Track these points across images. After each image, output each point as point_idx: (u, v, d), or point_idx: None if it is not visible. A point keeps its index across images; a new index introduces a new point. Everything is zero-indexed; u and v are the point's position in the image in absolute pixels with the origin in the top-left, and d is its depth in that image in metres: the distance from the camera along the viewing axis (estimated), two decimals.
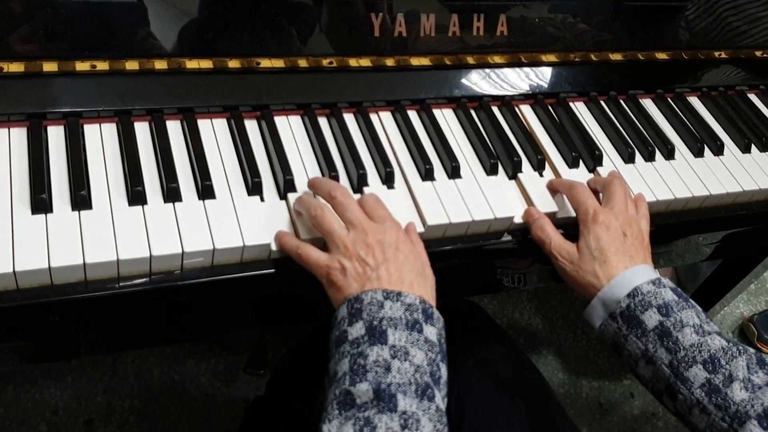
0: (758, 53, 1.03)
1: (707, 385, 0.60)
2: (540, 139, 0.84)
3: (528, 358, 0.88)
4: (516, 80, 0.88)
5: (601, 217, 0.70)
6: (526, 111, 0.88)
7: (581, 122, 0.87)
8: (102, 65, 0.71)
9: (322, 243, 0.64)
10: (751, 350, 0.62)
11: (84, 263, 0.58)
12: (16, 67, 0.68)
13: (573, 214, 0.74)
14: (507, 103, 0.86)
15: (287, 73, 0.79)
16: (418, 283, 0.60)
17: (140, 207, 0.64)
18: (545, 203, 0.76)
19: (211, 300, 0.73)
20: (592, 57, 0.93)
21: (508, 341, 0.89)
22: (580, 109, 0.90)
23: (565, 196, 0.76)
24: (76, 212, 0.62)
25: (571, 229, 0.74)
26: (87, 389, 1.31)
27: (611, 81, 0.94)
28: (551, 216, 0.75)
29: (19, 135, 0.67)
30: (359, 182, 0.72)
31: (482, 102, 0.85)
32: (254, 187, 0.68)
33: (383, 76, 0.83)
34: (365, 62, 0.81)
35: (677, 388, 0.62)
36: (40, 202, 0.61)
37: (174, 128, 0.72)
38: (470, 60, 0.86)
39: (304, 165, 0.73)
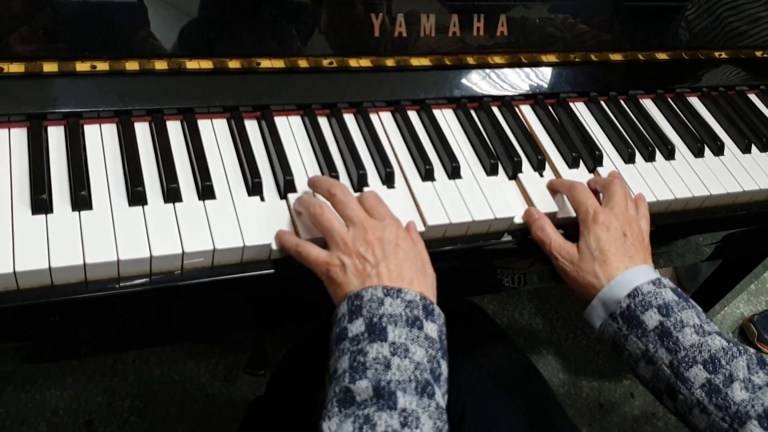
0: (758, 53, 1.03)
1: (707, 386, 0.60)
2: (540, 139, 0.84)
3: (528, 358, 0.88)
4: (516, 80, 0.88)
5: (602, 217, 0.70)
6: (527, 111, 0.88)
7: (581, 122, 0.87)
8: (102, 65, 0.71)
9: (323, 243, 0.64)
10: (752, 350, 0.62)
11: (84, 263, 0.58)
12: (16, 68, 0.68)
13: (573, 214, 0.74)
14: (507, 103, 0.86)
15: (287, 74, 0.79)
16: (419, 279, 0.60)
17: (140, 207, 0.64)
18: (545, 203, 0.76)
19: (212, 300, 0.73)
20: (593, 57, 0.93)
21: (508, 341, 0.89)
22: (580, 109, 0.90)
23: (565, 197, 0.76)
24: (77, 212, 0.62)
25: (571, 229, 0.74)
26: (87, 389, 1.31)
27: (611, 81, 0.94)
28: (551, 216, 0.75)
29: (19, 135, 0.67)
30: (359, 182, 0.72)
31: (482, 102, 0.85)
32: (254, 188, 0.68)
33: (383, 77, 0.83)
34: (365, 62, 0.81)
35: (677, 389, 0.62)
36: (41, 203, 0.61)
37: (174, 128, 0.72)
38: (470, 60, 0.86)
39: (304, 165, 0.73)
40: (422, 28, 0.82)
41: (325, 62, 0.80)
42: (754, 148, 0.92)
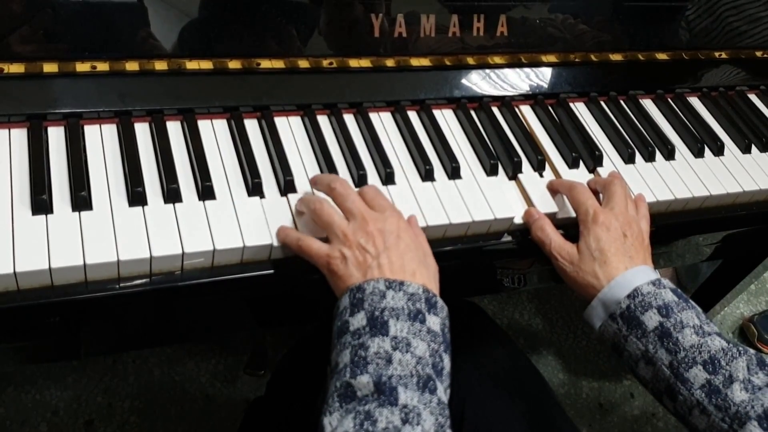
0: (758, 53, 1.03)
1: (707, 386, 0.60)
2: (540, 139, 0.84)
3: (528, 358, 0.88)
4: (516, 81, 0.88)
5: (602, 217, 0.70)
6: (526, 111, 0.88)
7: (581, 123, 0.87)
8: (102, 66, 0.71)
9: (325, 241, 0.63)
10: (751, 351, 0.62)
11: (84, 264, 0.58)
12: (16, 68, 0.68)
13: (573, 214, 0.74)
14: (507, 103, 0.86)
15: (287, 74, 0.79)
16: (421, 271, 0.60)
17: (140, 208, 0.64)
18: (545, 204, 0.76)
19: (212, 301, 0.73)
20: (593, 57, 0.93)
21: (508, 342, 0.89)
22: (580, 109, 0.90)
23: (565, 197, 0.76)
24: (77, 213, 0.62)
25: (571, 229, 0.74)
26: (87, 390, 1.31)
27: (611, 81, 0.94)
28: (551, 216, 0.75)
29: (19, 136, 0.67)
30: (359, 183, 0.72)
31: (482, 102, 0.85)
32: (254, 188, 0.68)
33: (383, 77, 0.83)
34: (365, 63, 0.81)
35: (677, 389, 0.62)
36: (41, 203, 0.61)
37: (174, 129, 0.72)
38: (470, 60, 0.86)
39: (304, 165, 0.73)
40: (422, 28, 0.82)
41: (325, 62, 0.80)
42: (754, 149, 0.92)
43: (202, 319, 0.82)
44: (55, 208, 0.62)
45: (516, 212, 0.74)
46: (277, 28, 0.76)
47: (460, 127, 0.83)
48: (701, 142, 0.89)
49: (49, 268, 0.57)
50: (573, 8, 0.89)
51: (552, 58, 0.90)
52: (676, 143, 0.89)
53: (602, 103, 0.91)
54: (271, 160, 0.72)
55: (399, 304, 0.56)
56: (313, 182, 0.69)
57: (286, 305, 0.88)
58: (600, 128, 0.88)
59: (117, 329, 0.78)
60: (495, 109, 0.86)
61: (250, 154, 0.71)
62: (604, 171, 0.82)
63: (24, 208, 0.61)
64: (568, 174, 0.81)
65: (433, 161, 0.76)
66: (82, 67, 0.70)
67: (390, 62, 0.82)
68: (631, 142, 0.86)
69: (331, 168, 0.72)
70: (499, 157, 0.79)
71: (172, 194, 0.65)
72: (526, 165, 0.80)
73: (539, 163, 0.80)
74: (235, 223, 0.65)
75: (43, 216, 0.61)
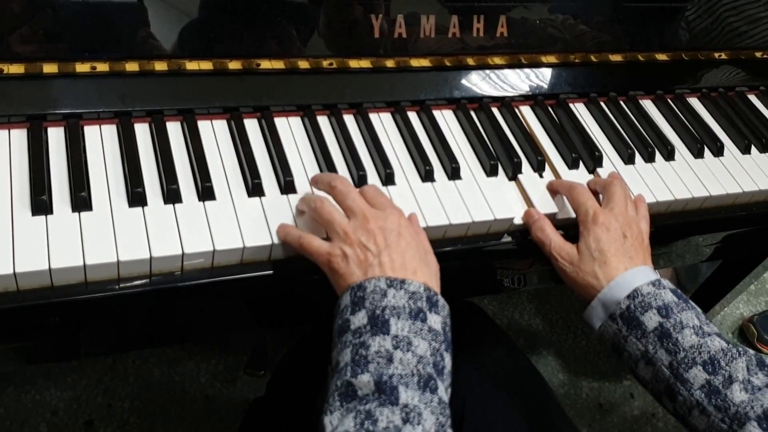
0: (758, 54, 1.03)
1: (707, 387, 0.60)
2: (540, 140, 0.84)
3: (528, 358, 0.88)
4: (516, 81, 0.88)
5: (601, 218, 0.70)
6: (526, 112, 0.88)
7: (581, 123, 0.88)
8: (102, 66, 0.71)
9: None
10: (751, 352, 0.62)
11: (84, 264, 0.58)
12: (16, 69, 0.68)
13: (573, 215, 0.74)
14: (507, 104, 0.86)
15: (287, 75, 0.79)
16: (422, 269, 0.60)
17: (140, 208, 0.64)
18: (545, 204, 0.76)
19: (212, 301, 0.73)
20: (592, 58, 0.93)
21: (508, 342, 0.89)
22: (579, 110, 0.90)
23: (564, 197, 0.76)
24: (77, 213, 0.62)
25: (571, 230, 0.74)
26: (87, 390, 1.31)
27: (611, 82, 0.94)
28: (551, 217, 0.75)
29: (19, 136, 0.67)
30: (359, 183, 0.72)
31: (482, 103, 0.85)
32: (254, 189, 0.68)
33: (383, 77, 0.83)
34: (365, 63, 0.81)
35: (677, 390, 0.62)
36: (41, 204, 0.61)
37: (174, 129, 0.72)
38: (470, 61, 0.86)
39: (304, 166, 0.73)
40: (422, 29, 0.82)
41: (325, 63, 0.80)
42: (753, 149, 0.92)
43: (202, 319, 0.82)
44: (54, 209, 0.62)
45: (516, 213, 0.74)
46: (277, 28, 0.76)
47: (460, 128, 0.83)
48: (701, 142, 0.89)
49: (49, 269, 0.57)
50: (573, 9, 0.89)
51: (552, 59, 0.90)
52: (676, 144, 0.89)
53: (602, 103, 0.91)
54: (271, 161, 0.72)
55: (400, 302, 0.56)
56: (314, 181, 0.69)
57: (286, 305, 0.88)
58: (600, 129, 0.88)
59: (117, 330, 0.78)
60: (495, 110, 0.86)
61: (250, 155, 0.71)
62: (603, 171, 0.82)
63: (24, 209, 0.61)
64: (567, 174, 0.81)
65: (433, 162, 0.76)
66: (81, 67, 0.70)
67: (390, 63, 0.82)
68: (630, 143, 0.86)
69: (331, 168, 0.72)
70: (499, 157, 0.79)
71: (171, 195, 0.65)
72: (525, 165, 0.80)
73: (539, 163, 0.80)
74: (235, 223, 0.65)
75: (43, 216, 0.61)
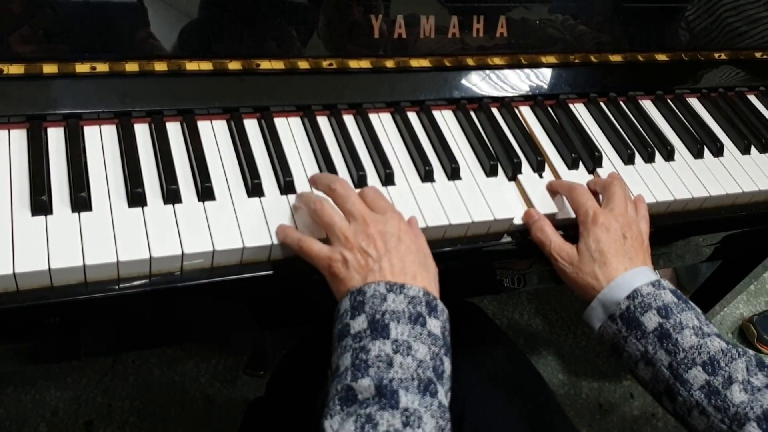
0: (758, 54, 1.03)
1: (707, 387, 0.60)
2: (540, 140, 0.84)
3: (528, 359, 0.88)
4: (516, 81, 0.88)
5: (601, 218, 0.70)
6: (526, 112, 0.88)
7: (581, 123, 0.88)
8: (102, 67, 0.71)
9: (325, 242, 0.63)
10: (751, 352, 0.62)
11: (84, 265, 0.58)
12: (16, 69, 0.68)
13: (573, 215, 0.74)
14: (507, 104, 0.86)
15: (287, 75, 0.79)
16: (421, 274, 0.60)
17: (140, 208, 0.64)
18: (545, 205, 0.76)
19: (211, 301, 0.73)
20: (592, 58, 0.93)
21: (508, 342, 0.89)
22: (579, 110, 0.90)
23: (564, 198, 0.76)
24: (76, 214, 0.62)
25: (570, 230, 0.74)
26: (87, 390, 1.31)
27: (611, 82, 0.94)
28: (551, 217, 0.75)
29: (19, 137, 0.67)
30: (359, 183, 0.72)
31: (482, 103, 0.85)
32: (254, 189, 0.68)
33: (383, 78, 0.83)
34: (365, 64, 0.81)
35: (677, 390, 0.62)
36: (40, 204, 0.61)
37: (174, 130, 0.72)
38: (470, 61, 0.86)
39: (303, 166, 0.73)
40: (422, 29, 0.82)
41: (325, 63, 0.80)
42: (753, 149, 0.92)
43: (202, 319, 0.82)
44: (54, 209, 0.62)
45: (516, 213, 0.74)
46: (277, 29, 0.76)
47: (459, 128, 0.83)
48: (701, 143, 0.89)
49: (49, 269, 0.57)
50: (573, 9, 0.89)
51: (552, 59, 0.90)
52: (676, 144, 0.89)
53: (602, 103, 0.91)
54: (270, 161, 0.72)
55: (400, 307, 0.56)
56: (313, 182, 0.69)
57: (286, 306, 0.88)
58: (599, 129, 0.88)
59: (117, 330, 0.78)
60: (495, 110, 0.86)
61: (249, 155, 0.71)
62: (603, 172, 0.82)
63: (23, 209, 0.61)
64: (567, 175, 0.81)
65: (433, 162, 0.76)
66: (81, 67, 0.70)
67: (390, 63, 0.82)
68: (630, 143, 0.86)
69: (331, 169, 0.72)
70: (499, 157, 0.79)
71: (171, 195, 0.65)
72: (525, 166, 0.80)
73: (539, 163, 0.80)
74: (234, 223, 0.65)
75: (43, 217, 0.61)
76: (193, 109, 0.74)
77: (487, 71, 0.88)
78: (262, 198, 0.68)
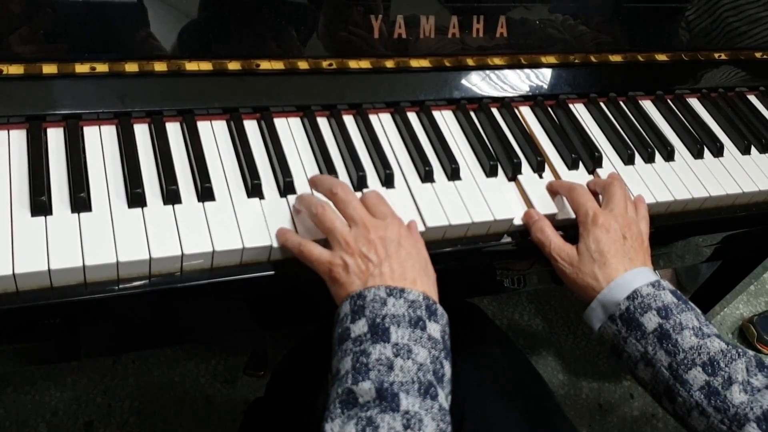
0: (758, 54, 1.03)
1: (706, 388, 0.60)
2: (539, 140, 0.84)
3: (527, 359, 0.88)
4: (516, 82, 0.88)
5: (601, 219, 0.70)
6: (526, 112, 0.88)
7: (581, 124, 0.87)
8: (101, 67, 0.71)
9: (324, 244, 0.63)
10: (751, 353, 0.62)
11: (83, 265, 0.58)
12: (15, 69, 0.68)
13: (573, 215, 0.74)
14: (507, 104, 0.86)
15: (287, 75, 0.79)
16: (421, 279, 0.60)
17: (140, 209, 0.64)
18: (545, 205, 0.76)
19: (211, 302, 0.73)
20: (592, 58, 0.93)
21: (508, 343, 0.89)
22: (579, 110, 0.90)
23: (564, 198, 0.76)
24: (76, 214, 0.62)
25: (570, 230, 0.74)
26: (87, 391, 1.31)
27: (611, 82, 0.94)
28: (551, 218, 0.75)
29: (18, 137, 0.67)
30: (359, 184, 0.72)
31: (482, 103, 0.85)
32: (254, 189, 0.68)
33: (383, 78, 0.83)
34: (365, 64, 0.81)
35: (676, 391, 0.62)
36: (40, 205, 0.61)
37: (173, 130, 0.72)
38: (470, 62, 0.86)
39: (303, 167, 0.73)
40: (422, 29, 0.82)
41: (325, 64, 0.80)
42: (753, 150, 0.92)
43: (202, 320, 0.82)
44: (54, 210, 0.62)
45: (515, 213, 0.74)
46: (277, 29, 0.76)
47: (459, 129, 0.83)
48: (700, 143, 0.89)
49: (49, 270, 0.57)
50: (573, 9, 0.89)
51: (551, 59, 0.90)
52: (676, 144, 0.88)
53: (602, 104, 0.91)
54: (270, 162, 0.72)
55: (400, 311, 0.56)
56: (313, 183, 0.69)
57: (286, 306, 0.88)
58: (599, 129, 0.88)
59: (117, 330, 0.78)
60: (494, 110, 0.86)
61: (249, 156, 0.71)
62: (603, 172, 0.82)
63: (23, 210, 0.61)
64: (567, 175, 0.81)
65: (433, 162, 0.76)
66: (81, 68, 0.70)
67: (389, 63, 0.82)
68: (630, 144, 0.86)
69: (331, 169, 0.72)
70: (499, 158, 0.79)
71: (171, 195, 0.65)
72: (525, 166, 0.80)
73: (539, 164, 0.80)
74: (234, 224, 0.65)
75: (42, 217, 0.61)
76: (193, 109, 0.74)
77: (487, 71, 0.87)
78: (262, 199, 0.68)
